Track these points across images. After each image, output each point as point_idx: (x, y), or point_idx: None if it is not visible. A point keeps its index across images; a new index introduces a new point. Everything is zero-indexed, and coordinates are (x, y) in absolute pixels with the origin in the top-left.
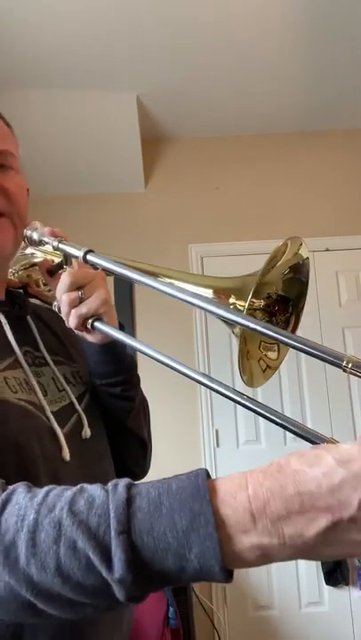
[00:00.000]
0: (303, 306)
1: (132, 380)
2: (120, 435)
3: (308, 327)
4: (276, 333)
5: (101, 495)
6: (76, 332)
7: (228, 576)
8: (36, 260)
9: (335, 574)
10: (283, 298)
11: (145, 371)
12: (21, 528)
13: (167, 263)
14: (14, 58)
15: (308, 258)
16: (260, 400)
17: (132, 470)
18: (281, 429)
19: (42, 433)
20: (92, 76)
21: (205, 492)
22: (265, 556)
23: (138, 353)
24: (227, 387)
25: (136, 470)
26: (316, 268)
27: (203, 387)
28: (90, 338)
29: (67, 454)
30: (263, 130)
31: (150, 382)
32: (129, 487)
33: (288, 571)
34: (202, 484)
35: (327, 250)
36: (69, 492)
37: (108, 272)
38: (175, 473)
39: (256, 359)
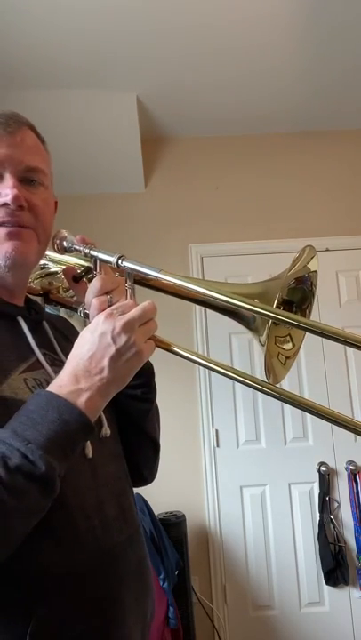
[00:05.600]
0: (308, 308)
1: (151, 382)
2: (136, 436)
3: None
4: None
5: None
6: None
7: (92, 425)
8: (50, 271)
9: (335, 574)
10: (287, 300)
11: None
12: None
13: (167, 263)
14: (14, 58)
15: (315, 271)
16: (257, 374)
17: (142, 473)
18: (282, 430)
19: None
20: (93, 75)
21: (50, 393)
22: (100, 397)
23: None
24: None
25: (145, 473)
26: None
27: (203, 387)
28: None
29: (89, 451)
30: (263, 130)
31: None
32: (6, 432)
33: (288, 571)
34: (45, 393)
35: (327, 250)
36: None
37: (140, 275)
38: (176, 474)
39: (275, 356)
